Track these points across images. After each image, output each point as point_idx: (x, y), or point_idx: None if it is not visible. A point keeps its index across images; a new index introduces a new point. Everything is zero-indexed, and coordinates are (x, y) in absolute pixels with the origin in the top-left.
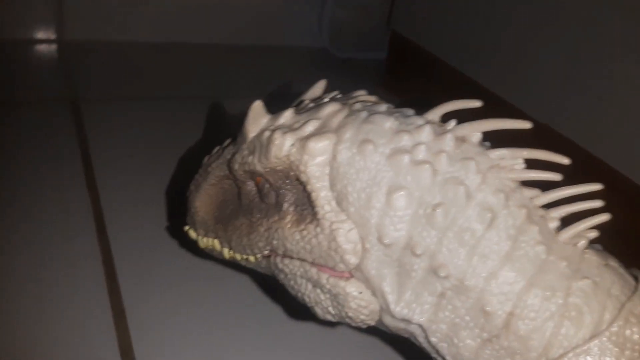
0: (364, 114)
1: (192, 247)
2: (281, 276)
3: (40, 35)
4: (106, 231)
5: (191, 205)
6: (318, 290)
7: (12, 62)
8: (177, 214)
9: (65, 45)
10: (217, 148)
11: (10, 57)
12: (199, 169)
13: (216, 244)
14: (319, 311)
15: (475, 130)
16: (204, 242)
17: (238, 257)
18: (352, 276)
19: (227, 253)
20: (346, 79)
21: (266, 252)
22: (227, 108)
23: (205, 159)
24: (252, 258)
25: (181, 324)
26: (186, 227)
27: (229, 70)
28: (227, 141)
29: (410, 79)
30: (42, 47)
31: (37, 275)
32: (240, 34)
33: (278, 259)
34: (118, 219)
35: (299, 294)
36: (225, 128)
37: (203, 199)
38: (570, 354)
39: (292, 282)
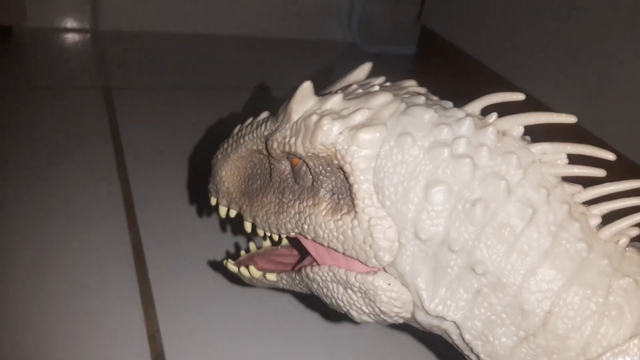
0: (402, 106)
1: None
2: (314, 286)
3: (75, 24)
4: (136, 218)
5: (217, 173)
6: (349, 291)
7: (47, 50)
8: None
9: (99, 35)
10: (250, 119)
11: (46, 45)
12: (228, 137)
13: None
14: (354, 314)
15: (517, 123)
16: (225, 212)
17: (260, 233)
18: (379, 270)
19: (249, 227)
20: (375, 73)
21: (293, 235)
22: (259, 98)
23: (237, 128)
24: (275, 237)
25: (209, 313)
26: (209, 195)
27: (259, 62)
28: (263, 114)
29: (439, 74)
30: (77, 36)
31: (67, 262)
32: (270, 27)
33: (308, 269)
34: (148, 206)
35: (334, 300)
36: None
37: (230, 170)
38: (609, 354)
39: (324, 290)
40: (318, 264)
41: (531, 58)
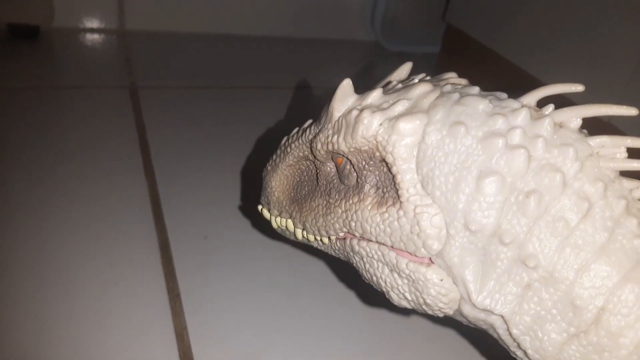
0: (455, 96)
1: (246, 229)
2: (356, 258)
3: (102, 24)
4: (163, 217)
5: (267, 184)
6: (395, 275)
7: (74, 50)
8: (248, 197)
9: (125, 35)
10: (296, 129)
11: (73, 45)
12: (277, 149)
13: (289, 224)
14: (394, 296)
15: (575, 115)
16: (278, 222)
17: (311, 238)
18: (432, 262)
19: (300, 234)
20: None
21: (342, 234)
22: (283, 98)
23: (284, 139)
24: (326, 240)
25: (237, 310)
26: (260, 207)
27: (284, 62)
28: (308, 122)
29: (465, 73)
30: (103, 36)
31: (95, 260)
32: (294, 27)
33: (355, 241)
34: (175, 203)
35: (374, 278)
36: (282, 117)
37: (279, 179)
38: None
39: (367, 266)
40: (367, 241)
41: (560, 55)
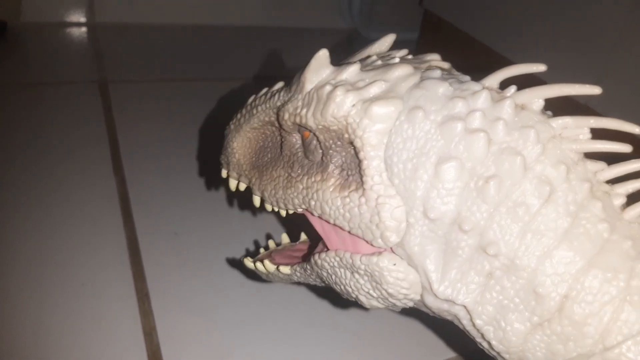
0: (415, 79)
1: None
2: (324, 274)
3: (71, 18)
4: (132, 213)
5: (228, 144)
6: (356, 276)
7: (43, 45)
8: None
9: (96, 28)
10: (264, 90)
11: (42, 40)
12: (242, 108)
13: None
14: (363, 299)
15: (537, 97)
16: (234, 184)
17: (268, 207)
18: (385, 250)
19: (257, 201)
20: None
21: (300, 211)
22: (259, 89)
23: (251, 99)
24: (283, 212)
25: (206, 309)
26: (223, 171)
27: (259, 52)
28: (278, 85)
29: (444, 58)
30: (73, 30)
31: (62, 259)
32: (269, 15)
33: (316, 256)
34: (144, 200)
35: (343, 287)
36: None
37: (241, 141)
38: (630, 342)
39: (334, 277)
40: (326, 251)
41: (538, 39)
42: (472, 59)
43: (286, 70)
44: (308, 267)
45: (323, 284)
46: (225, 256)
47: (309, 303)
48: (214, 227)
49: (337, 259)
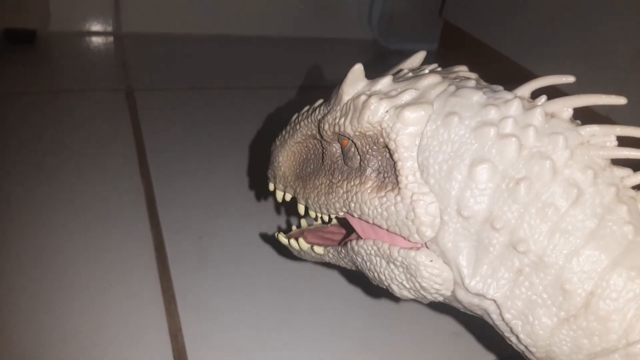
0: (452, 88)
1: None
2: (359, 260)
3: (98, 27)
4: (158, 218)
5: (275, 159)
6: (392, 266)
7: (71, 54)
8: (246, 198)
9: (122, 37)
10: (306, 107)
11: (70, 49)
12: (286, 125)
13: (302, 244)
14: (395, 288)
15: (566, 105)
16: (281, 195)
17: (312, 214)
18: (422, 246)
19: (302, 209)
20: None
21: (341, 214)
22: (280, 98)
23: (294, 116)
24: (326, 217)
25: (232, 310)
26: (270, 184)
27: (281, 62)
28: (319, 102)
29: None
30: (100, 39)
31: (90, 261)
32: (292, 26)
33: (353, 242)
34: (170, 205)
35: (377, 274)
36: (279, 117)
37: (287, 155)
38: None
39: (368, 264)
40: (363, 238)
41: (557, 49)
42: (491, 69)
43: (309, 79)
44: (343, 250)
45: (354, 268)
46: (249, 258)
47: (336, 306)
48: (238, 230)
49: (375, 247)
